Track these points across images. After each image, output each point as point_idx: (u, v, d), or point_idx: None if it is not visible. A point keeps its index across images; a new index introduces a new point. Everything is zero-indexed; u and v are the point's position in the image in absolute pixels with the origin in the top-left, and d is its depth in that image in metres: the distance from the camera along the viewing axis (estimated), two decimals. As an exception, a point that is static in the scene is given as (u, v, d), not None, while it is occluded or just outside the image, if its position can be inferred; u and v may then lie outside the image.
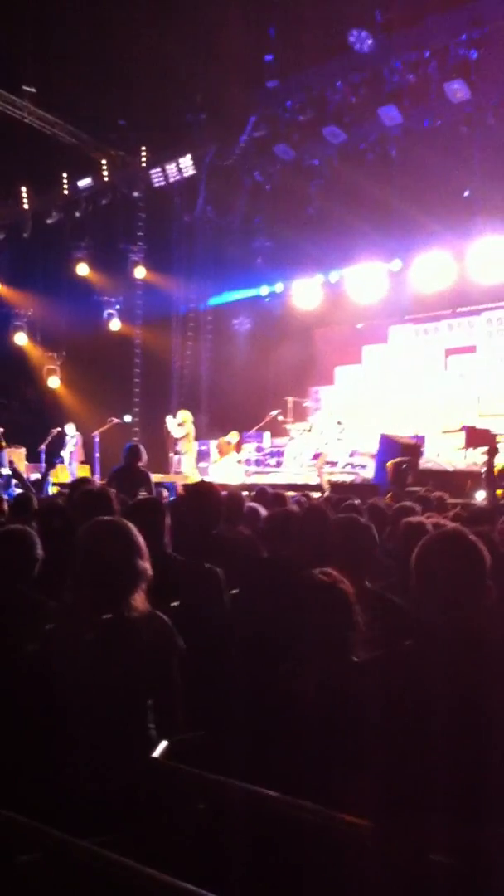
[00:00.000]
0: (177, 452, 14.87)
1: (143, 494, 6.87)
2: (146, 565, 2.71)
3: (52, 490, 11.70)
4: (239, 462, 15.02)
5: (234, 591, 3.84)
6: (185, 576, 3.61)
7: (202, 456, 15.40)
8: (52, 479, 12.92)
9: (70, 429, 15.86)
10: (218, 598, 3.66)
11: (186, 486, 5.15)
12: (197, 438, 14.77)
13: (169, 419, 14.30)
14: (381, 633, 2.86)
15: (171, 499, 7.87)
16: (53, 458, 15.33)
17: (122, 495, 5.34)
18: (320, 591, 2.74)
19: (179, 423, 14.20)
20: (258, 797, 2.32)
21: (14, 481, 11.49)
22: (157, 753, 2.61)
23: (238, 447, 15.00)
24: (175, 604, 3.18)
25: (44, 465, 14.87)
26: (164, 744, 2.64)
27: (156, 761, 2.58)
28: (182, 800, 2.49)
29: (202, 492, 4.44)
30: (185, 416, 14.31)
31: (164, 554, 3.66)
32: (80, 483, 6.75)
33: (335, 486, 11.54)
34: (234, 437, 14.93)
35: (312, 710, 2.58)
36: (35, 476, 13.16)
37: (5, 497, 7.52)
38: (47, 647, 2.70)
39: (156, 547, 3.54)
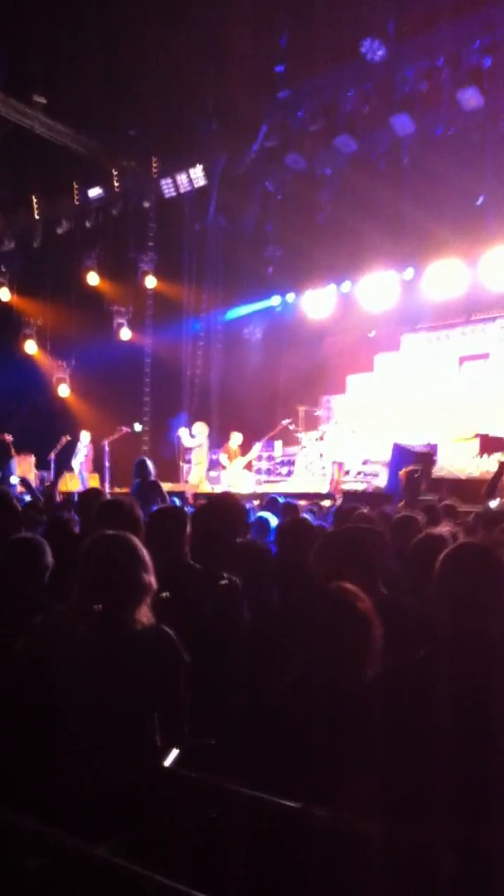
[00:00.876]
0: (187, 462, 14.82)
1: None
2: (150, 578, 2.76)
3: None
4: (248, 466, 14.91)
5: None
6: (203, 585, 3.61)
7: (213, 466, 15.33)
8: (59, 487, 12.85)
9: (84, 437, 15.81)
10: (236, 609, 3.65)
11: (210, 496, 5.21)
12: (209, 449, 14.75)
13: (183, 430, 14.35)
14: (396, 639, 2.87)
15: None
16: (62, 467, 15.27)
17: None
18: (341, 606, 2.75)
19: (193, 435, 14.23)
20: (265, 803, 2.33)
21: (22, 490, 11.44)
22: (168, 762, 2.61)
23: (244, 450, 14.87)
24: (165, 594, 3.14)
25: (53, 473, 14.81)
26: (174, 752, 2.64)
27: (162, 768, 2.58)
28: (190, 806, 2.48)
29: (222, 503, 4.64)
30: (200, 427, 14.34)
31: (184, 564, 3.67)
32: (91, 494, 6.74)
33: (347, 494, 11.44)
34: (234, 439, 14.80)
35: (320, 713, 2.59)
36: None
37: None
38: (37, 643, 2.77)
39: (176, 557, 3.62)
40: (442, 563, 2.52)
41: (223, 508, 4.32)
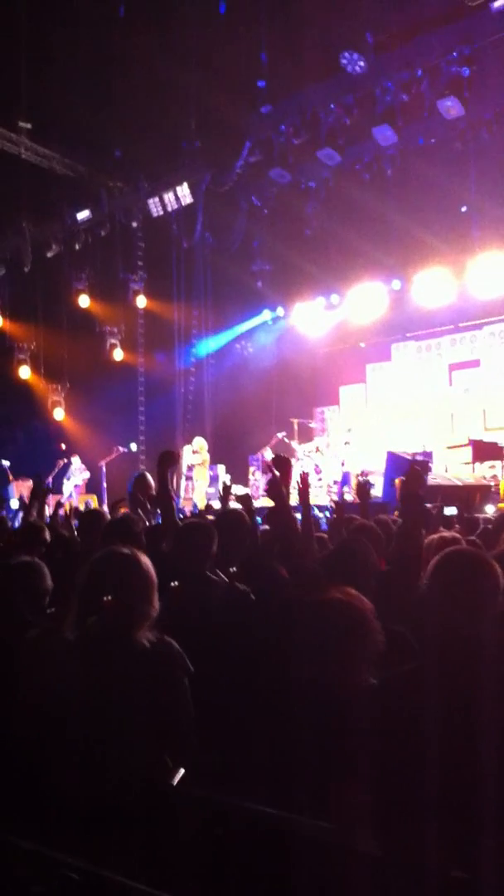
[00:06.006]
0: (189, 478, 14.81)
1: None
2: (156, 599, 2.77)
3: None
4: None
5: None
6: (222, 597, 3.68)
7: (211, 482, 15.33)
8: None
9: (75, 462, 15.75)
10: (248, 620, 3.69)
11: (219, 514, 5.31)
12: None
13: (186, 447, 14.34)
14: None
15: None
16: (56, 489, 15.22)
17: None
18: (333, 609, 2.71)
19: (195, 451, 14.22)
20: (266, 818, 2.32)
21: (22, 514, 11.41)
22: (175, 780, 2.62)
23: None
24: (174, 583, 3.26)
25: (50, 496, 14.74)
26: (181, 772, 2.65)
27: (169, 785, 2.58)
28: (192, 823, 2.47)
29: (232, 520, 4.64)
30: (200, 443, 14.34)
31: (205, 577, 3.74)
32: (91, 515, 6.72)
33: (340, 504, 11.39)
34: (268, 453, 14.80)
35: (311, 720, 2.57)
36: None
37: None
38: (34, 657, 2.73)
39: (200, 569, 3.72)
40: (433, 570, 2.55)
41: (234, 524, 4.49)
